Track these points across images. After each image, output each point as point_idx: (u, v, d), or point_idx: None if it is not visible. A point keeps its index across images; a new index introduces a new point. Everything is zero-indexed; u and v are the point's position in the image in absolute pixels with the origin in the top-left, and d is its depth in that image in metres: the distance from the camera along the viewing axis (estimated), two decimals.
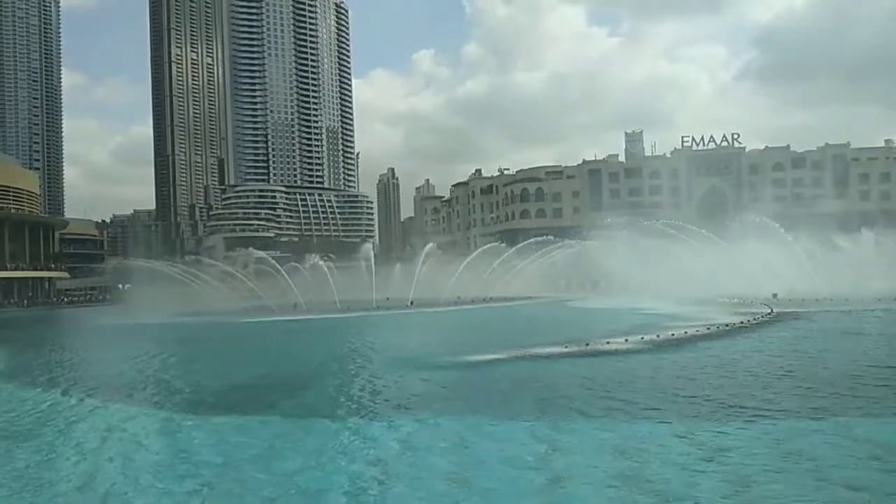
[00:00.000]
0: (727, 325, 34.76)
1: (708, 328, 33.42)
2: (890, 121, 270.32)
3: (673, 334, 30.96)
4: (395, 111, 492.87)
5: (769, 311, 42.90)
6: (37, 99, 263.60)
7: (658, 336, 30.28)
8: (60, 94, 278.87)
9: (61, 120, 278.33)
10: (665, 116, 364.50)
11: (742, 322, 36.76)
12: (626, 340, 29.25)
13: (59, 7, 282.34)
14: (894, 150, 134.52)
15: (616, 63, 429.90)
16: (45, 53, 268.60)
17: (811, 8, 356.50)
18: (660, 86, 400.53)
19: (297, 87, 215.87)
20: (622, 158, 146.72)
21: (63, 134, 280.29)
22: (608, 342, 29.04)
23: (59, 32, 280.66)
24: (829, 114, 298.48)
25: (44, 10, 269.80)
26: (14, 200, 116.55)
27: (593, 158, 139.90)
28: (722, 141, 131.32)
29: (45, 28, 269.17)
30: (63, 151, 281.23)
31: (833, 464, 12.21)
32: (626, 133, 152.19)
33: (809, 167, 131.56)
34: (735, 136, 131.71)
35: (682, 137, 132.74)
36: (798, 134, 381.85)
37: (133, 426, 17.21)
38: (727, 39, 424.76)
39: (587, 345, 28.33)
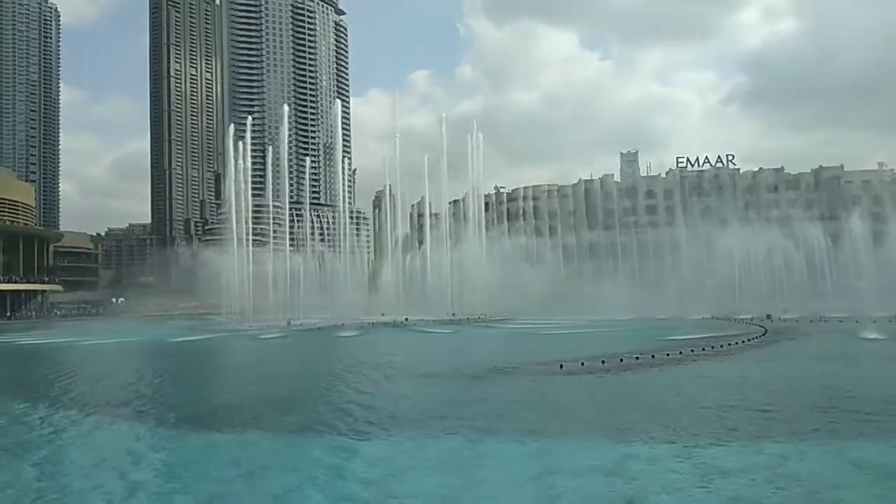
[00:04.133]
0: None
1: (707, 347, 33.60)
2: (877, 144, 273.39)
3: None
4: (390, 129, 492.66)
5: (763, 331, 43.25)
6: (35, 112, 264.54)
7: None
8: (58, 109, 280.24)
9: (59, 134, 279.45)
10: (658, 138, 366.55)
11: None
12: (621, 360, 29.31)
13: (59, 22, 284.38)
14: (887, 173, 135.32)
15: (608, 85, 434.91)
16: (45, 68, 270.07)
17: (797, 34, 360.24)
18: (652, 108, 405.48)
19: (294, 103, 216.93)
20: (617, 178, 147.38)
21: (60, 148, 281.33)
22: (603, 361, 29.11)
23: (59, 47, 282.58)
24: (816, 137, 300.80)
25: (44, 24, 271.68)
26: (9, 212, 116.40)
27: (588, 178, 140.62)
28: (717, 162, 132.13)
29: (44, 42, 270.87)
30: (60, 165, 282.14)
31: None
32: (621, 153, 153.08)
33: (804, 189, 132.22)
34: (730, 158, 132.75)
35: (677, 158, 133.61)
36: (786, 157, 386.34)
37: (122, 440, 17.09)
38: (716, 64, 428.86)
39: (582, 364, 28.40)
